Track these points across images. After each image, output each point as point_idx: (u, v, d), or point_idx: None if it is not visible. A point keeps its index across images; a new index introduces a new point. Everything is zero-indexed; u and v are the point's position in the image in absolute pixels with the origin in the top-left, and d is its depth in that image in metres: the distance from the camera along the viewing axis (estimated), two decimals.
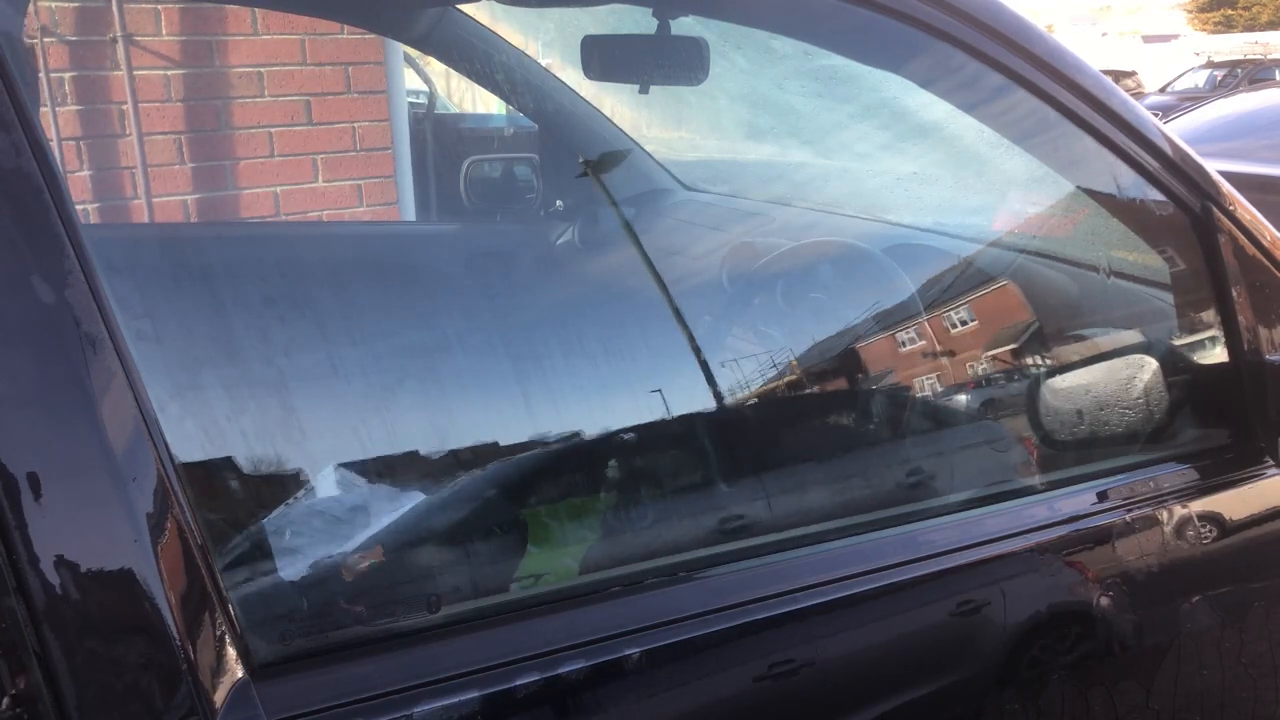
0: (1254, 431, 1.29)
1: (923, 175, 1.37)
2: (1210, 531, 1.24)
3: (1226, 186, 1.27)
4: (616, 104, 1.16)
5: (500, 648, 0.83)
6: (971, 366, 1.36)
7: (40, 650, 0.65)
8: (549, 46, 1.23)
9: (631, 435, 1.02)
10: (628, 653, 0.86)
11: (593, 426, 1.00)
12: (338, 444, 0.89)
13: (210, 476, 0.81)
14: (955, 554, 1.05)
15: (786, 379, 1.15)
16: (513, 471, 0.98)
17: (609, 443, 1.01)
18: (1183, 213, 1.26)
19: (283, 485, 0.86)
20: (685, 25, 1.18)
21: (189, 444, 0.79)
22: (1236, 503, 1.27)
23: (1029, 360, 1.37)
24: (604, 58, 1.21)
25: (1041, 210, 1.42)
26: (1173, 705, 1.26)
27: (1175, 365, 1.29)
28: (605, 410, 1.01)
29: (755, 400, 1.11)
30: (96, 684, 0.66)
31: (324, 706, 0.75)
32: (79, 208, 0.74)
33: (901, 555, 1.02)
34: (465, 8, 1.19)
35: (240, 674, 0.73)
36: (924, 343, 1.33)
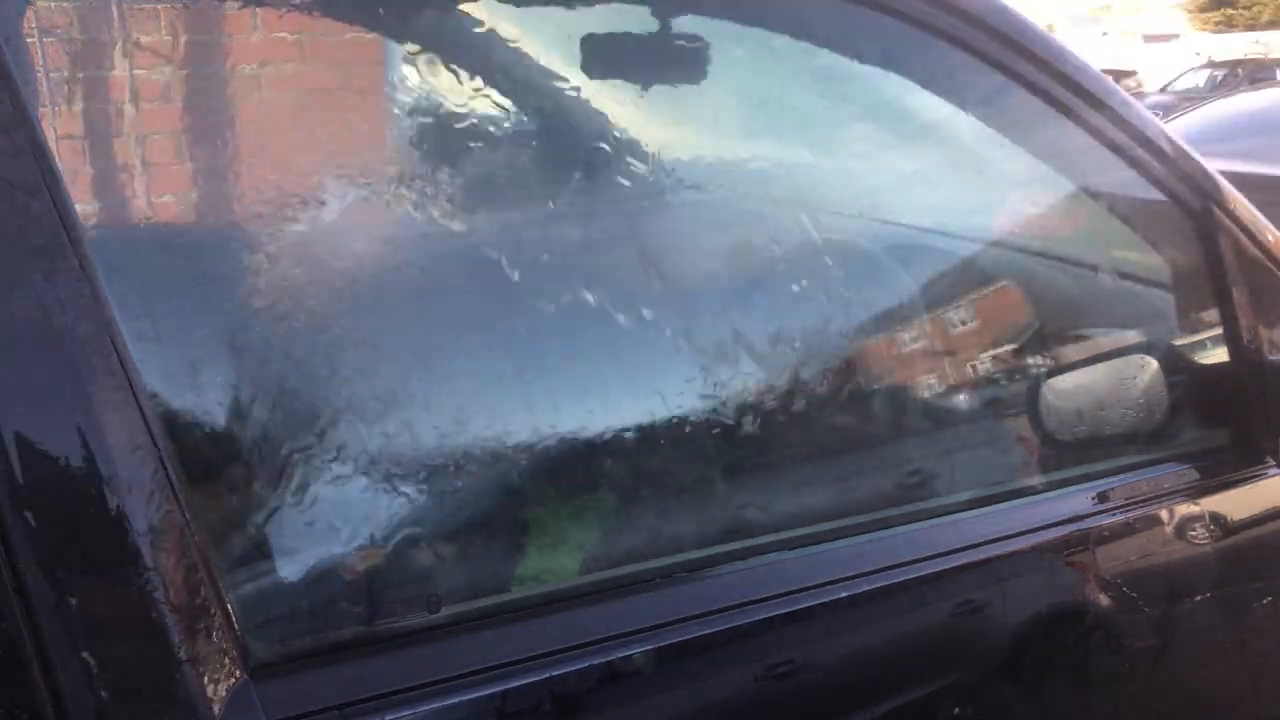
0: (1254, 431, 1.29)
1: (923, 175, 1.37)
2: (1210, 531, 1.24)
3: (1226, 186, 1.27)
4: (616, 104, 1.16)
5: (500, 648, 0.83)
6: (972, 366, 1.36)
7: (40, 650, 0.65)
8: (549, 46, 1.23)
9: (632, 436, 1.02)
10: (628, 653, 0.86)
11: (593, 426, 1.00)
12: (338, 444, 0.89)
13: (210, 477, 0.81)
14: (955, 554, 1.05)
15: (785, 379, 1.14)
16: (513, 471, 0.98)
17: (609, 443, 1.01)
18: (1183, 213, 1.25)
19: (283, 485, 0.86)
20: (685, 25, 1.18)
21: (189, 445, 0.79)
22: (1236, 503, 1.27)
23: (1029, 360, 1.37)
24: (604, 57, 1.21)
25: (1041, 210, 1.42)
26: (1173, 705, 1.26)
27: (1175, 365, 1.29)
28: (605, 410, 1.01)
29: (754, 401, 1.11)
30: (96, 684, 0.66)
31: (324, 706, 0.75)
32: (79, 208, 0.73)
33: (902, 555, 1.02)
34: (465, 7, 1.19)
35: (240, 674, 0.73)
36: (924, 343, 1.33)
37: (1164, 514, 1.21)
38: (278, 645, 0.78)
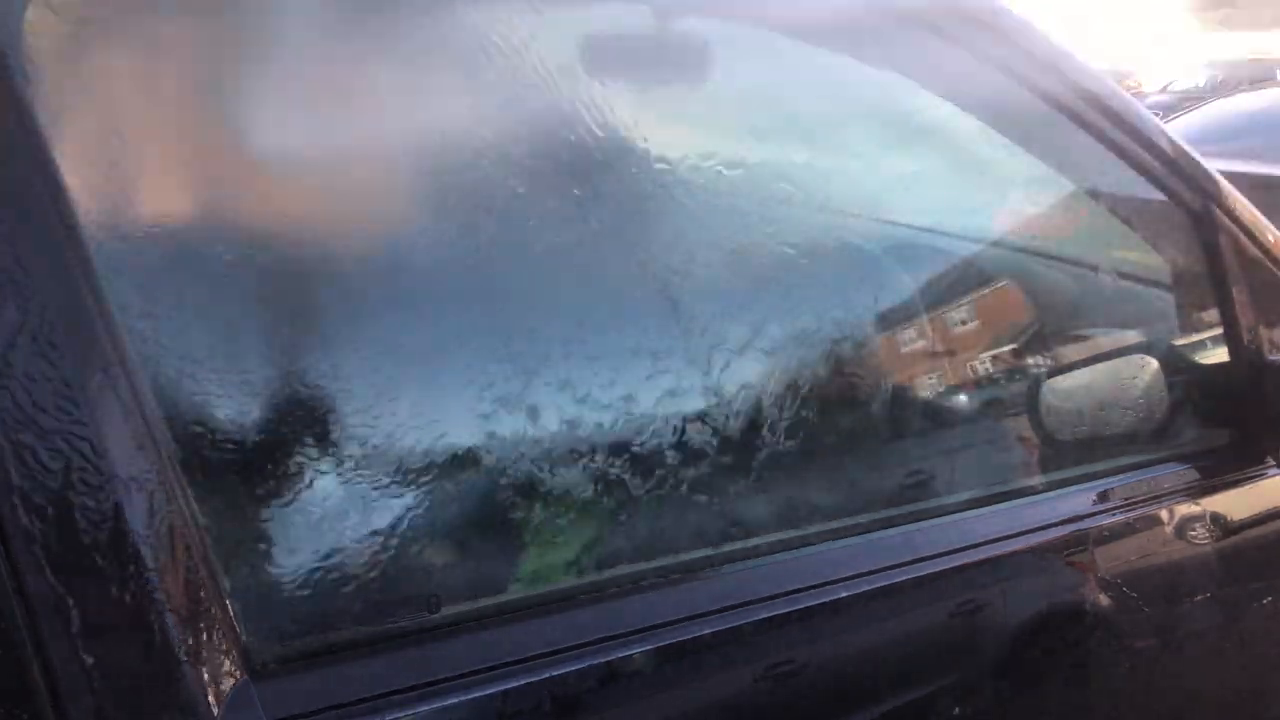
0: (1254, 431, 1.29)
1: (923, 175, 1.37)
2: (1210, 531, 1.24)
3: (1226, 186, 1.27)
4: (616, 103, 1.16)
5: (500, 648, 0.83)
6: (972, 367, 1.36)
7: (39, 651, 0.65)
8: (549, 46, 1.23)
9: (632, 435, 1.01)
10: (628, 653, 0.86)
11: (593, 426, 1.00)
12: (339, 444, 0.89)
13: (210, 476, 0.81)
14: (956, 554, 1.05)
15: (786, 380, 1.14)
16: (514, 471, 0.98)
17: (610, 443, 1.01)
18: (1183, 213, 1.26)
19: (283, 485, 0.86)
20: (685, 25, 1.18)
21: (189, 444, 0.79)
22: (1236, 503, 1.27)
23: (1029, 360, 1.37)
24: (604, 57, 1.21)
25: (1041, 210, 1.42)
26: (1173, 705, 1.26)
27: (1175, 365, 1.29)
28: (605, 410, 1.01)
29: (754, 401, 1.11)
30: (96, 685, 0.66)
31: (324, 706, 0.75)
32: (79, 208, 0.73)
33: (902, 556, 1.02)
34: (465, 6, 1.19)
35: (240, 674, 0.73)
36: (924, 343, 1.32)
37: (1164, 514, 1.21)
38: (278, 645, 0.78)
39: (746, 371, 1.11)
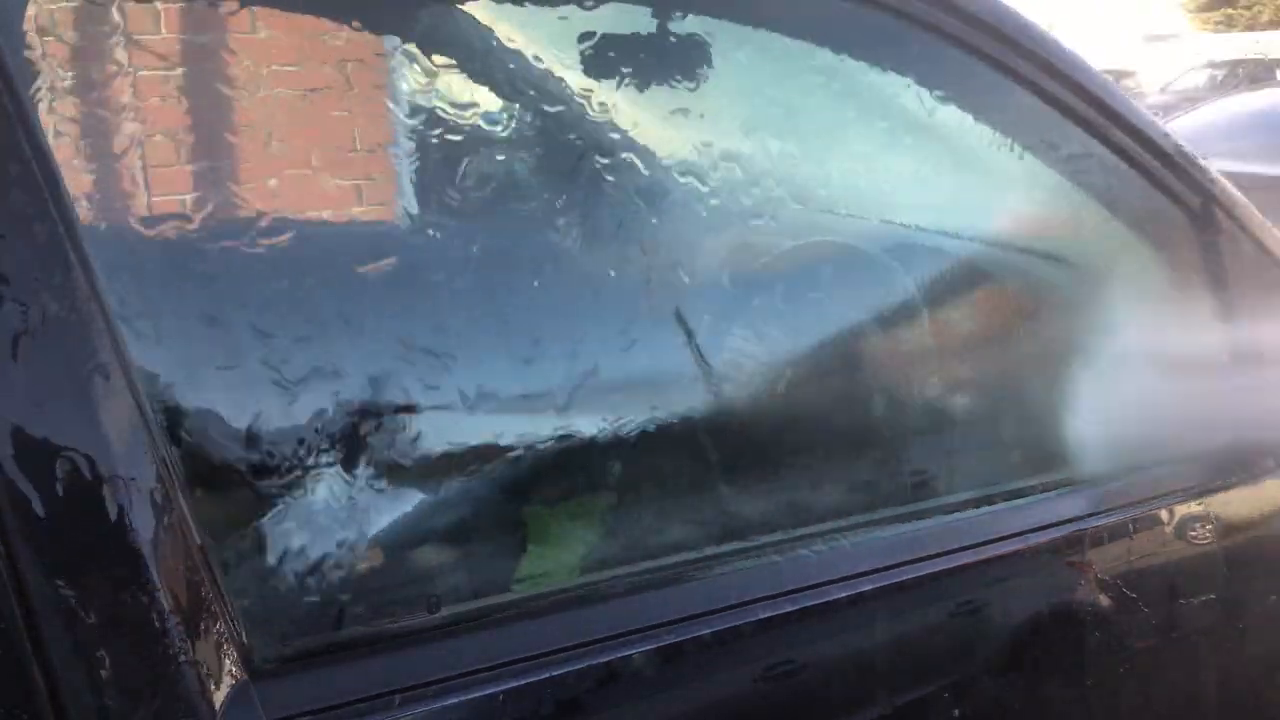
0: (1254, 431, 1.29)
1: (923, 175, 1.37)
2: (1210, 531, 1.24)
3: (1226, 186, 1.27)
4: (616, 104, 1.16)
5: (500, 648, 0.83)
6: (971, 367, 1.36)
7: (39, 651, 0.65)
8: (549, 46, 1.23)
9: (632, 435, 1.02)
10: (628, 653, 0.86)
11: (593, 426, 1.00)
12: (338, 444, 0.89)
13: (210, 476, 0.81)
14: (955, 554, 1.05)
15: (786, 379, 1.14)
16: (513, 471, 0.98)
17: (610, 443, 1.01)
18: (1183, 213, 1.26)
19: (283, 485, 0.86)
20: (686, 25, 1.18)
21: (189, 444, 0.79)
22: (1236, 503, 1.27)
23: (1028, 360, 1.37)
24: (603, 57, 1.21)
25: (1041, 210, 1.42)
26: (1173, 706, 1.26)
27: (1175, 365, 1.29)
28: (605, 410, 1.01)
29: (755, 400, 1.11)
30: (96, 684, 0.66)
31: (324, 706, 0.75)
32: (79, 208, 0.73)
33: (902, 555, 1.02)
34: (464, 6, 1.19)
35: (240, 674, 0.73)
36: (924, 343, 1.32)
37: (1164, 514, 1.21)
38: (278, 645, 0.78)
39: (747, 371, 1.11)
